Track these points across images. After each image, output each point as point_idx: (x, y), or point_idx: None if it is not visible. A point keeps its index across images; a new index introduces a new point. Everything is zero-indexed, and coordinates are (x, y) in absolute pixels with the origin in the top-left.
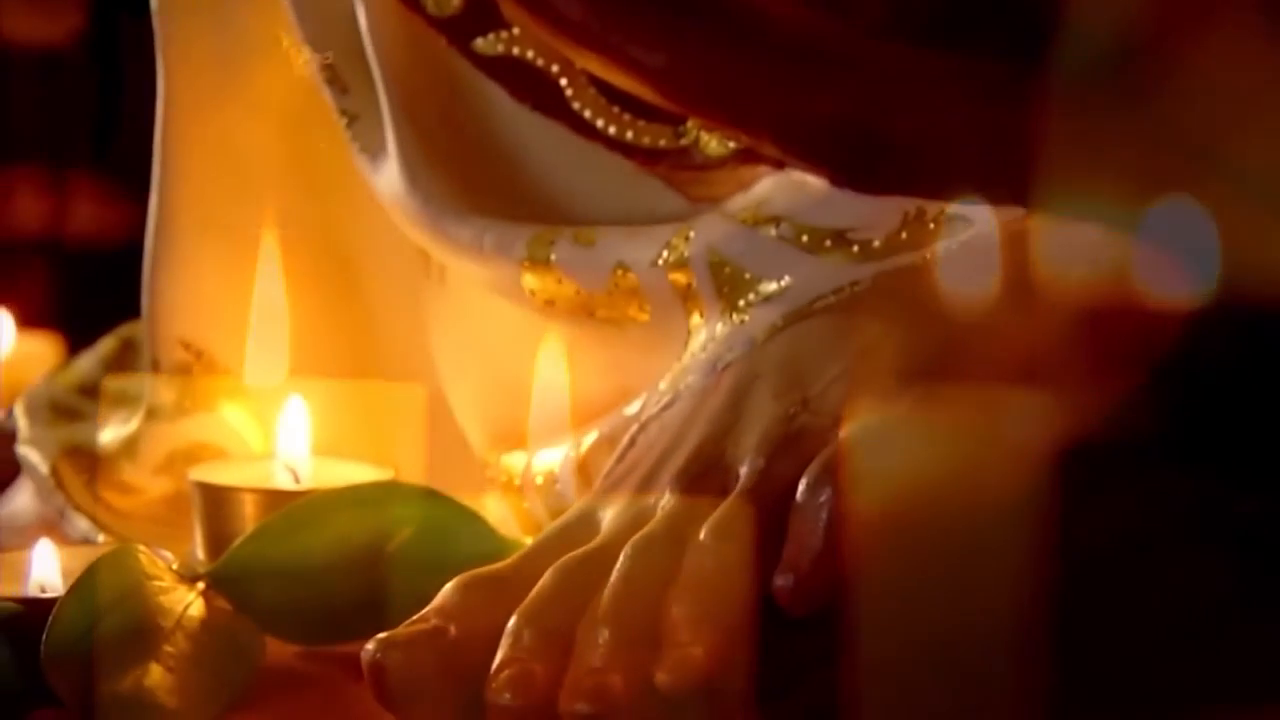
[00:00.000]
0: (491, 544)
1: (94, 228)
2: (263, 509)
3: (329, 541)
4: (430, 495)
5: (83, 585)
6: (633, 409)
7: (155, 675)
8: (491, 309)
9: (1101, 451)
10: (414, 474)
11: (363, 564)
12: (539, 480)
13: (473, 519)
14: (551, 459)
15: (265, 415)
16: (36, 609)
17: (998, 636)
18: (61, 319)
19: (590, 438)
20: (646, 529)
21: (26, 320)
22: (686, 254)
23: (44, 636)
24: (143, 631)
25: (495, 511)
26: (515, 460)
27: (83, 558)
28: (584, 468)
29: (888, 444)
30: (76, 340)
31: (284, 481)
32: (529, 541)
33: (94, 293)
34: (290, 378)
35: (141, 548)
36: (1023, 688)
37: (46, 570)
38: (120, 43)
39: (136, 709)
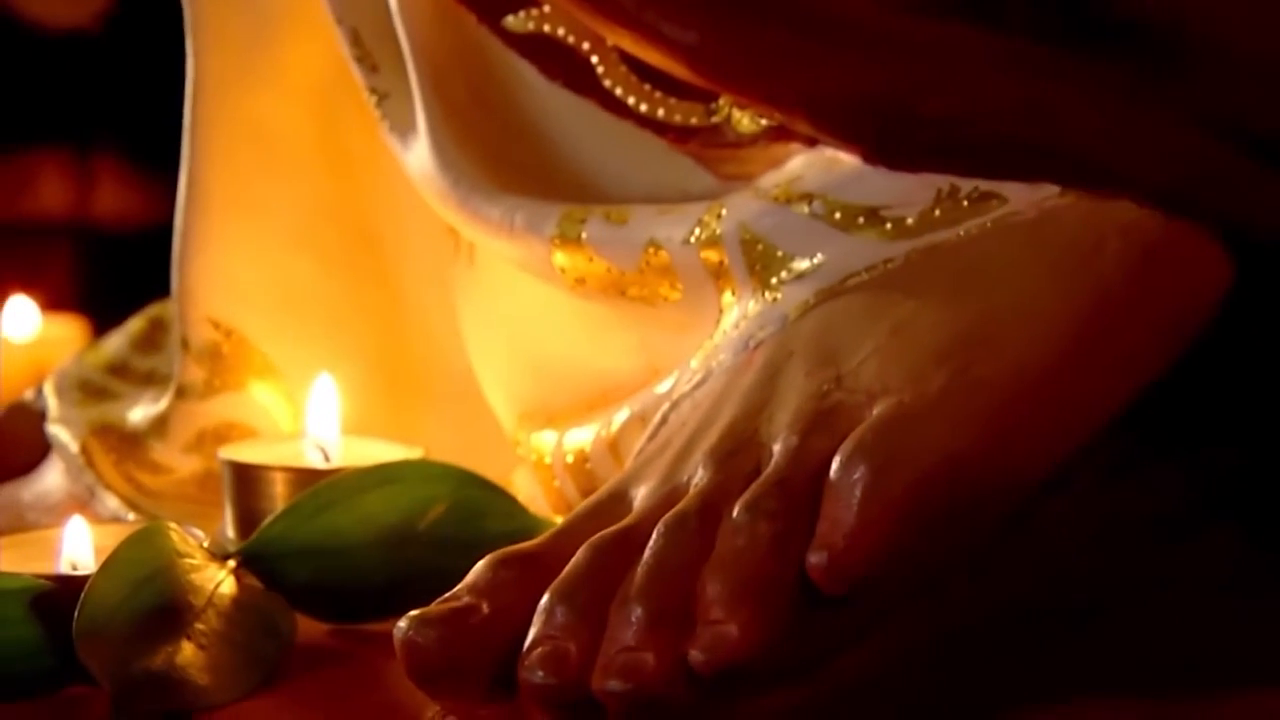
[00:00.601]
0: (522, 522)
1: (119, 211)
2: (293, 488)
3: (359, 520)
4: (460, 473)
5: (114, 563)
6: (664, 387)
7: (187, 652)
8: (521, 288)
9: (1138, 428)
10: (443, 453)
11: (393, 542)
12: (569, 459)
13: (503, 498)
14: (582, 437)
15: (295, 394)
16: (68, 586)
17: (1026, 614)
18: (86, 302)
19: (621, 416)
20: (679, 507)
21: (52, 303)
22: (718, 231)
23: (76, 614)
24: (174, 609)
25: (525, 490)
26: (545, 438)
27: (114, 535)
28: (615, 446)
29: (921, 422)
30: (101, 323)
31: (314, 460)
32: (559, 520)
33: (118, 276)
34: (320, 356)
35: (172, 525)
36: (1051, 662)
37: (78, 548)
38: (144, 24)
39: (168, 686)
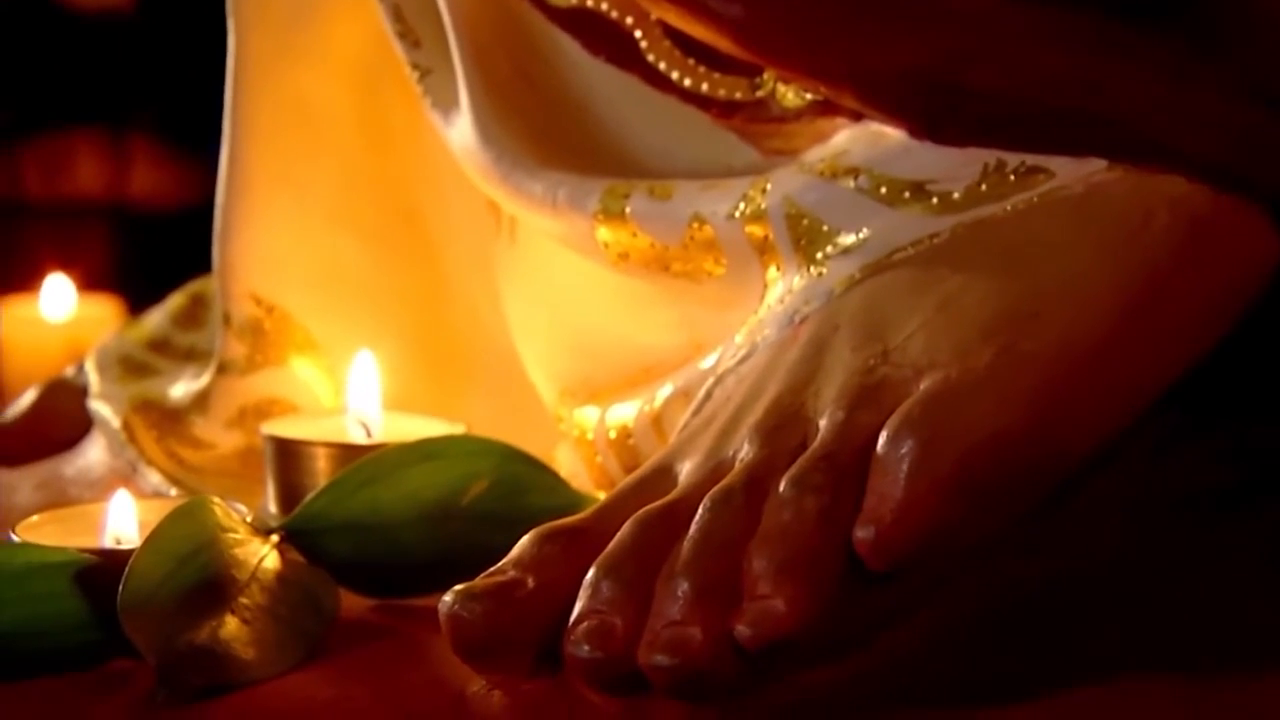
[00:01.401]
0: (564, 498)
1: (154, 191)
2: (335, 463)
3: (402, 495)
4: (503, 449)
5: (158, 537)
6: (708, 362)
7: (231, 627)
8: (562, 264)
9: (1185, 404)
10: (484, 429)
11: (436, 518)
12: (612, 435)
13: (546, 473)
14: (625, 413)
15: (336, 370)
16: (113, 560)
17: (1071, 590)
18: (122, 282)
19: (665, 391)
20: (725, 481)
21: (88, 283)
22: (763, 206)
23: (120, 588)
24: (218, 583)
25: (567, 466)
26: (588, 414)
27: (158, 510)
28: (658, 422)
29: (969, 397)
30: (137, 303)
31: (356, 436)
32: (601, 496)
33: (154, 256)
34: (361, 332)
35: (216, 500)
36: (1096, 637)
37: (123, 522)
38: (178, 4)
39: (212, 660)
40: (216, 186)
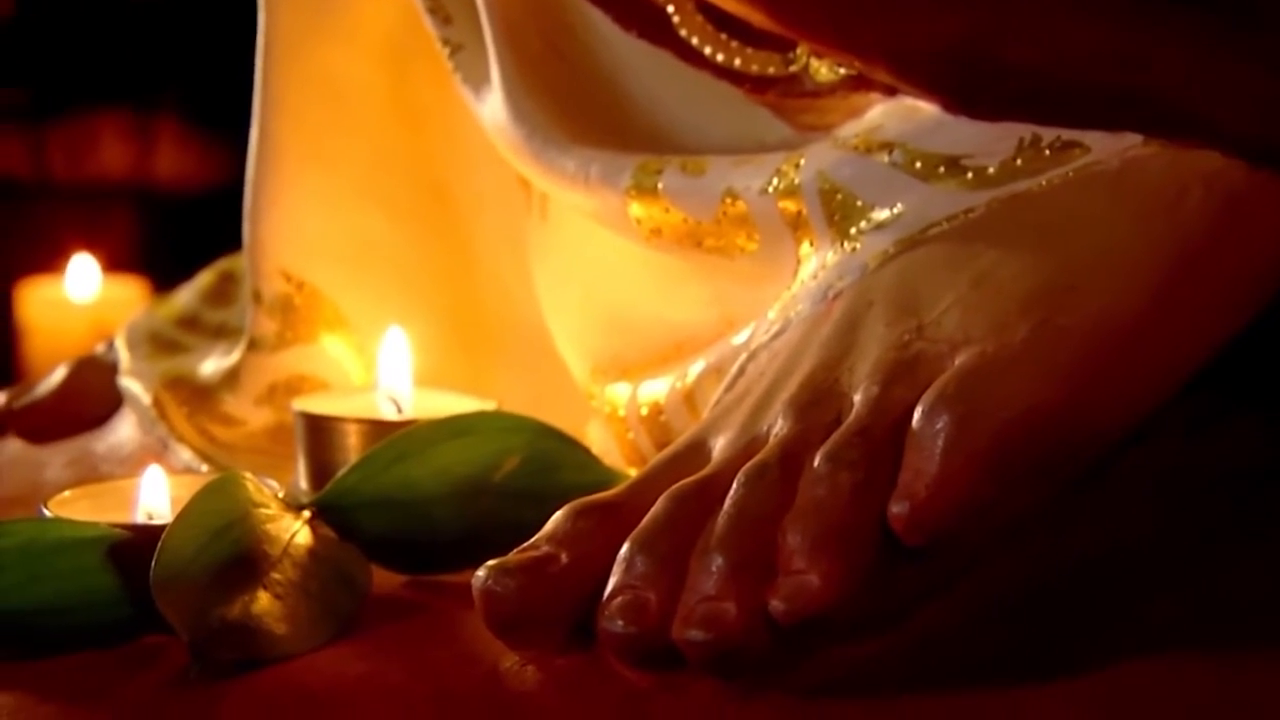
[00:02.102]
0: (596, 474)
1: (179, 172)
2: (366, 439)
3: (433, 472)
4: (535, 425)
5: (191, 512)
6: (741, 338)
7: (263, 602)
8: (594, 240)
9: (1219, 381)
10: (515, 405)
11: (467, 494)
12: (644, 411)
13: (577, 449)
14: (657, 390)
15: (366, 346)
16: (145, 535)
17: (1104, 567)
18: (147, 262)
19: (697, 368)
20: (759, 456)
21: (113, 264)
22: (797, 181)
23: (153, 563)
24: (250, 559)
25: (598, 443)
26: (619, 391)
27: (189, 486)
28: (690, 398)
29: (1004, 372)
30: (161, 283)
31: (387, 412)
32: (633, 473)
33: (178, 237)
34: (391, 309)
35: (248, 475)
36: (1129, 614)
37: (155, 497)
38: None
39: (245, 635)
40: (241, 167)
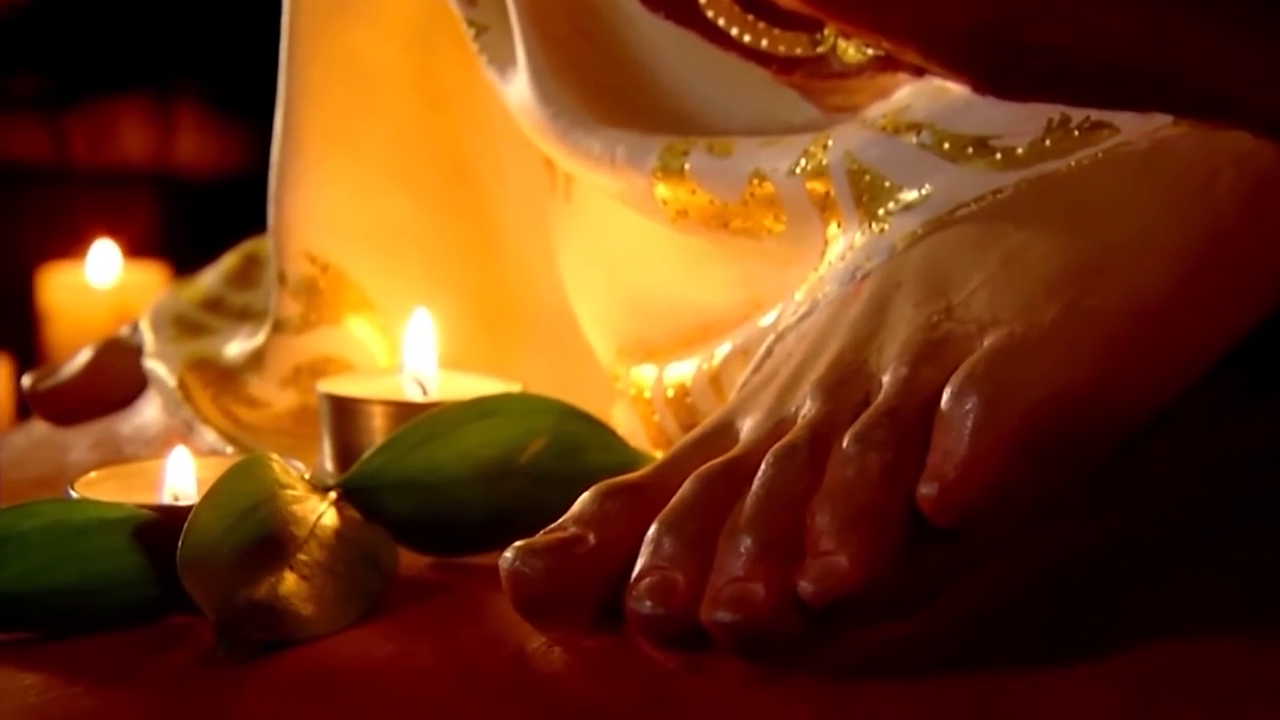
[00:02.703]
0: (622, 456)
1: (199, 158)
2: (392, 421)
3: (459, 453)
4: (561, 407)
5: (217, 493)
6: (767, 320)
7: (290, 583)
8: (619, 222)
9: (1248, 363)
10: (540, 388)
11: (493, 476)
12: (670, 393)
13: (603, 431)
14: (683, 371)
15: (390, 329)
16: (172, 516)
17: (1132, 549)
18: (167, 247)
19: (723, 349)
20: (788, 438)
21: (134, 249)
22: (825, 162)
23: (180, 543)
24: (277, 539)
25: (624, 425)
26: (645, 373)
27: (215, 467)
28: (717, 380)
29: (1033, 353)
30: (181, 268)
31: (412, 394)
32: (659, 455)
33: (198, 222)
34: (416, 291)
35: (274, 456)
36: (1157, 597)
37: (181, 478)
38: None
39: (271, 615)
40: (261, 152)
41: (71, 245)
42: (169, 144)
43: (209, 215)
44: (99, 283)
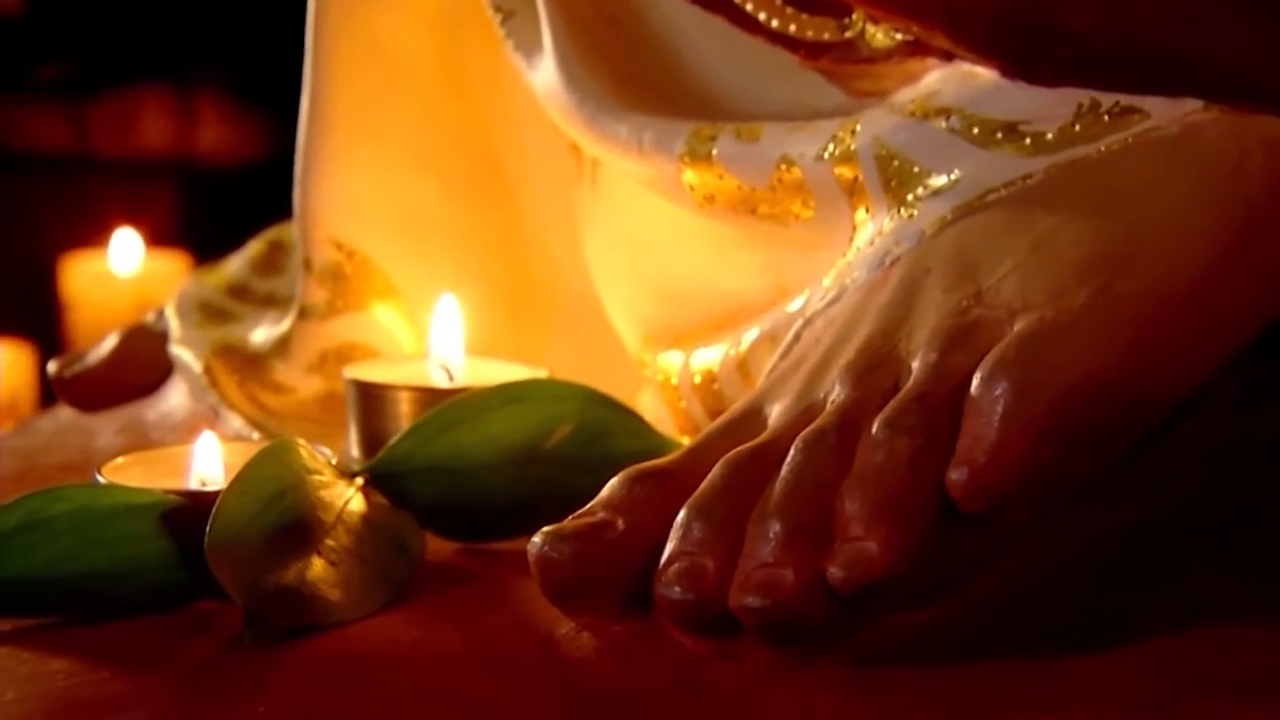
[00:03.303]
0: (648, 442)
1: (220, 147)
2: (418, 407)
3: (485, 439)
4: (588, 393)
5: (245, 478)
6: (795, 305)
7: (317, 568)
8: (645, 208)
9: (1276, 349)
10: (566, 374)
11: (518, 461)
12: (697, 379)
13: (630, 417)
14: (710, 357)
15: (417, 315)
16: (199, 502)
17: (1161, 535)
18: (188, 236)
19: (751, 335)
20: (817, 423)
21: (155, 238)
22: (853, 147)
23: (208, 529)
24: (305, 525)
25: (650, 411)
26: (672, 359)
27: (242, 453)
28: (744, 366)
29: (1064, 338)
30: (202, 257)
31: (439, 380)
32: (685, 441)
33: (219, 210)
34: (442, 277)
35: (301, 442)
36: (1186, 582)
37: (209, 464)
38: None
39: (299, 601)
40: (282, 141)
41: (93, 234)
42: (191, 132)
43: (230, 204)
44: (121, 271)
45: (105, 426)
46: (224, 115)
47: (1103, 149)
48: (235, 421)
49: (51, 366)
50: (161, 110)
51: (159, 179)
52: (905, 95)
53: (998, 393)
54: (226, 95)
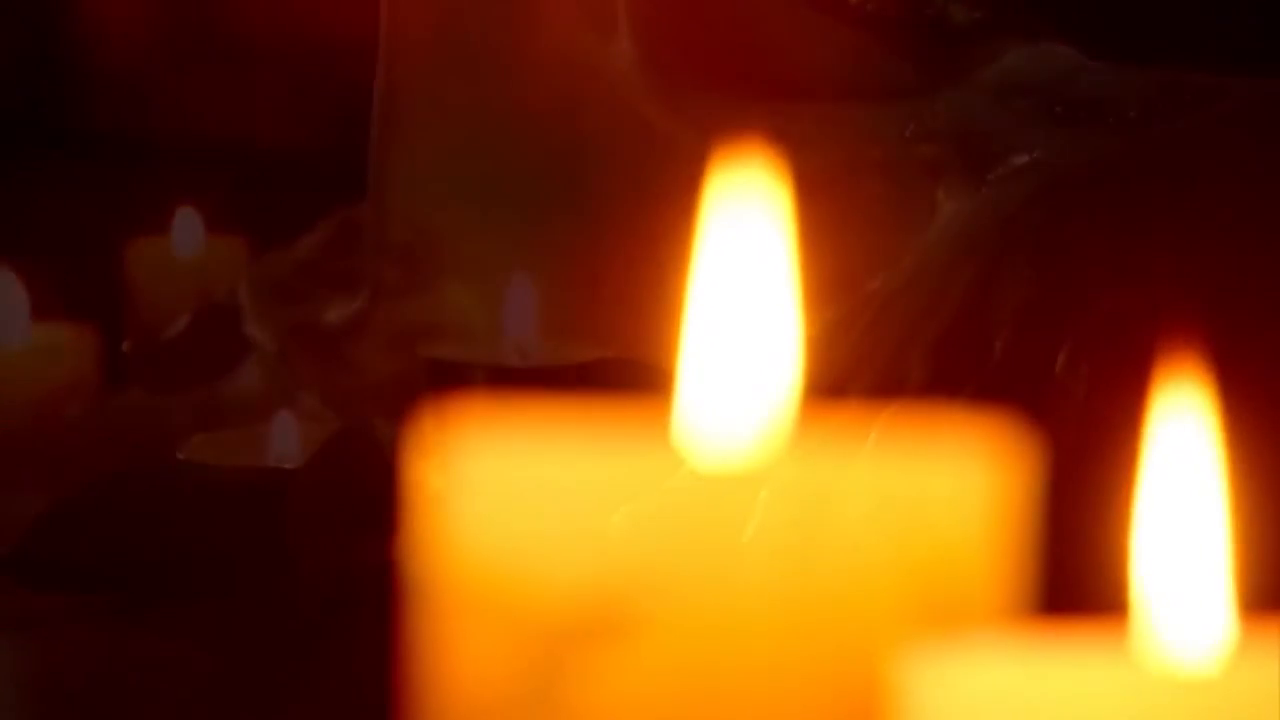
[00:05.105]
0: None
1: (280, 131)
2: (493, 385)
3: None
4: None
5: (322, 457)
6: (873, 286)
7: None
8: None
9: None
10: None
11: None
12: None
13: None
14: None
15: (490, 294)
16: (278, 480)
17: None
18: (250, 221)
19: (828, 316)
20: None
21: (214, 222)
22: (934, 126)
23: (285, 508)
24: (384, 503)
25: None
26: None
27: (319, 433)
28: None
29: (1145, 317)
30: (264, 242)
31: (512, 359)
32: None
33: (282, 194)
34: (515, 256)
35: (376, 421)
36: None
37: (286, 443)
38: None
39: (382, 580)
40: (345, 123)
41: (154, 218)
42: (253, 115)
43: (294, 187)
44: (182, 255)
45: (180, 407)
46: (288, 97)
47: (1185, 128)
48: (310, 402)
49: (125, 347)
50: (224, 93)
51: (222, 162)
52: (986, 74)
53: (1083, 373)
54: (290, 77)
